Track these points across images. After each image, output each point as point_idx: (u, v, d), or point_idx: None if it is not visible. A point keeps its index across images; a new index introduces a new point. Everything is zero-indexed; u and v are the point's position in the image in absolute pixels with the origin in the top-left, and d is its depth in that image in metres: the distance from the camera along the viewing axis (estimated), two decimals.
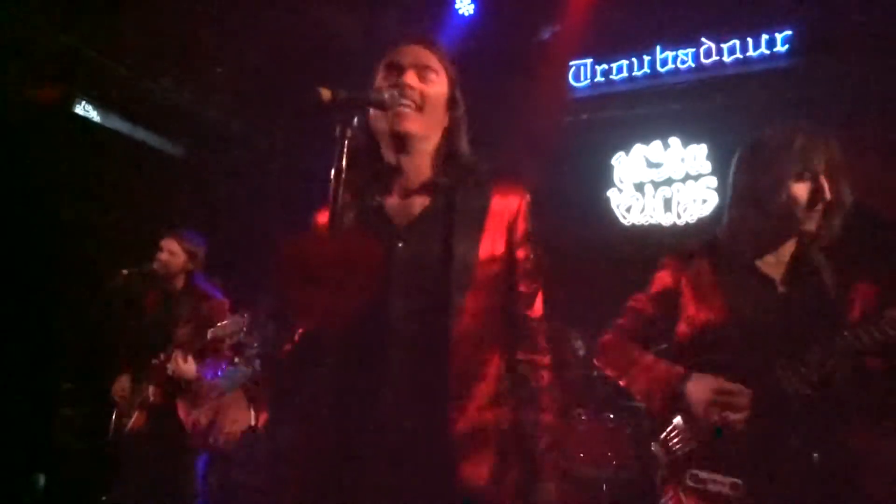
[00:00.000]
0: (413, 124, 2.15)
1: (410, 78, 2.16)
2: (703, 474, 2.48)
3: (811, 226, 2.56)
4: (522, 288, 2.26)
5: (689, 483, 2.50)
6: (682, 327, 2.67)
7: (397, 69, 2.18)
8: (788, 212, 2.56)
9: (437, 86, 2.21)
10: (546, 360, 2.23)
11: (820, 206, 2.53)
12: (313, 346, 2.20)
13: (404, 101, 2.13)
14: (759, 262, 2.66)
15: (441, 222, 2.17)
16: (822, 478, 2.44)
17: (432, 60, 2.22)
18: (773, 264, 2.67)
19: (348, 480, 2.10)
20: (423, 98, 2.16)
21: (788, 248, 2.65)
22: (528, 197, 2.28)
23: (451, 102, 2.24)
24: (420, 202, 2.21)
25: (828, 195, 2.51)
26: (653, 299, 2.75)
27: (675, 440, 2.58)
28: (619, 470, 4.47)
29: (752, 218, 2.64)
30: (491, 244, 2.19)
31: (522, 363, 2.21)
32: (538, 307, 2.27)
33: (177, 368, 4.28)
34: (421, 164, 2.21)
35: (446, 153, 2.23)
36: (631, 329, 2.76)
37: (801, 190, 2.54)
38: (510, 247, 2.24)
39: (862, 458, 2.60)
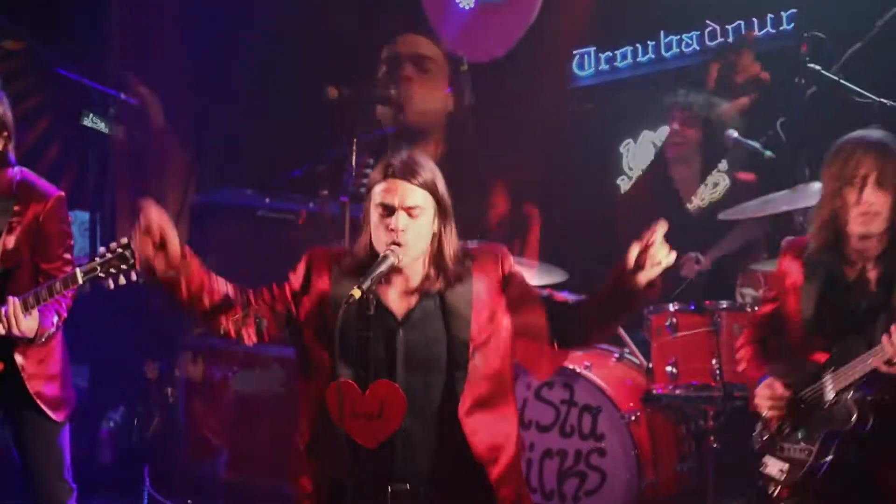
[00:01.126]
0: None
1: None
2: (786, 444, 2.91)
3: (864, 229, 2.73)
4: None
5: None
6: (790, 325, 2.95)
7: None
8: (841, 215, 2.75)
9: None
10: None
11: (866, 211, 2.70)
12: None
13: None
14: (836, 266, 2.82)
15: (433, 312, 2.40)
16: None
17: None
18: (850, 269, 2.82)
19: None
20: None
21: (869, 250, 2.79)
22: (506, 254, 2.51)
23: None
24: (414, 299, 2.43)
25: (864, 202, 2.68)
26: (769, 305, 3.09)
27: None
28: None
29: (823, 221, 2.83)
30: (485, 316, 2.41)
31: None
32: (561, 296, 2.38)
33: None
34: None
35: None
36: (756, 336, 3.11)
37: (850, 195, 2.71)
38: (512, 293, 2.35)
39: None
